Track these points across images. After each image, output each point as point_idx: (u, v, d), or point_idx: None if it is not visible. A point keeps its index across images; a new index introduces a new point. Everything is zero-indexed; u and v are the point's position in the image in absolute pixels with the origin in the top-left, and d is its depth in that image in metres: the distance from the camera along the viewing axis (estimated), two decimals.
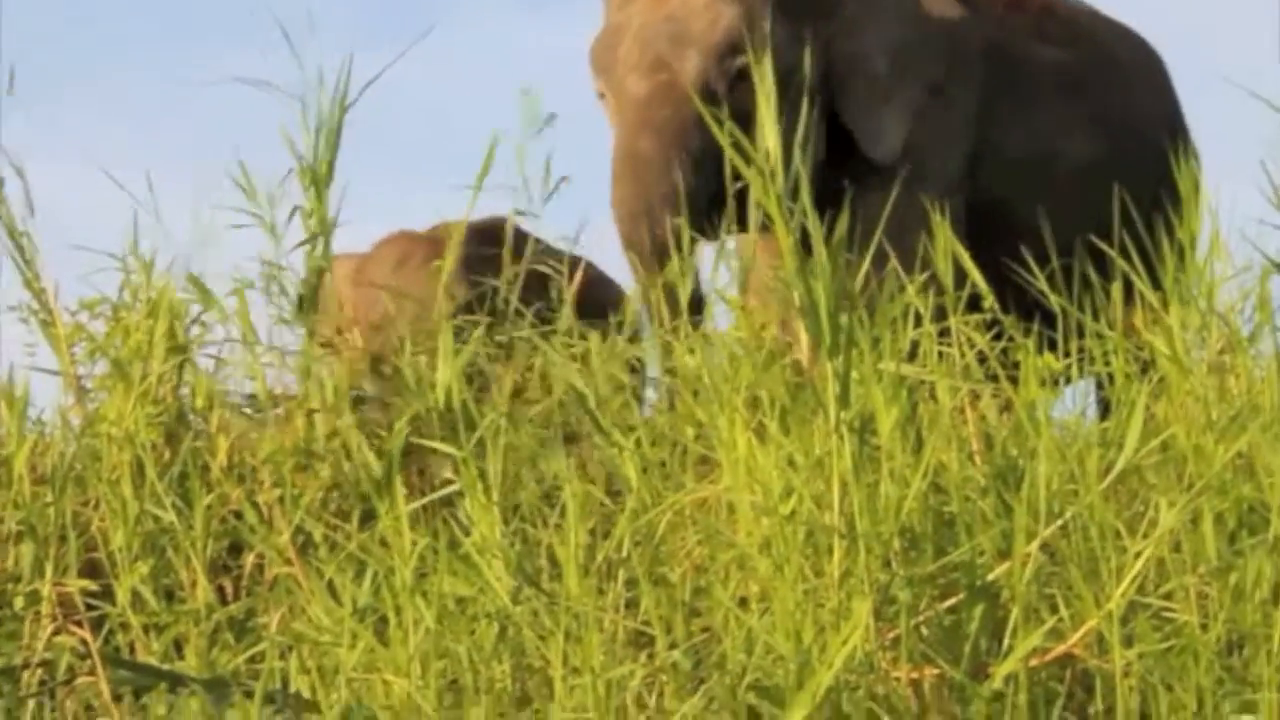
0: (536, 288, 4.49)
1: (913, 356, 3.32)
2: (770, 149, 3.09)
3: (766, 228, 3.56)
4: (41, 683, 3.22)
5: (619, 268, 4.47)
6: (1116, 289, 3.60)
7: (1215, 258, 3.49)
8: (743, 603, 2.95)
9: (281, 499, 3.43)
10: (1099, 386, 4.10)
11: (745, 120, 4.17)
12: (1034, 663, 2.80)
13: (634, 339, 4.05)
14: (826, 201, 3.95)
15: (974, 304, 3.58)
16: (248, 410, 3.83)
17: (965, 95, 4.50)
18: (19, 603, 3.42)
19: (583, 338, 3.82)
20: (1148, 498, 3.01)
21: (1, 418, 3.74)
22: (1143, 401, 2.97)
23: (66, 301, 3.91)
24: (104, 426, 3.63)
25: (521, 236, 5.03)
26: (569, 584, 2.93)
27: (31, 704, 3.16)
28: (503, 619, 2.96)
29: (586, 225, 4.53)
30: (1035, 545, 2.85)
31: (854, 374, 2.94)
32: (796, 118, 4.03)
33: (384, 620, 3.02)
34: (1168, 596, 2.88)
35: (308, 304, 4.48)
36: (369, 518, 3.38)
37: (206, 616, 3.33)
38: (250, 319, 3.88)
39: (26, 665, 3.24)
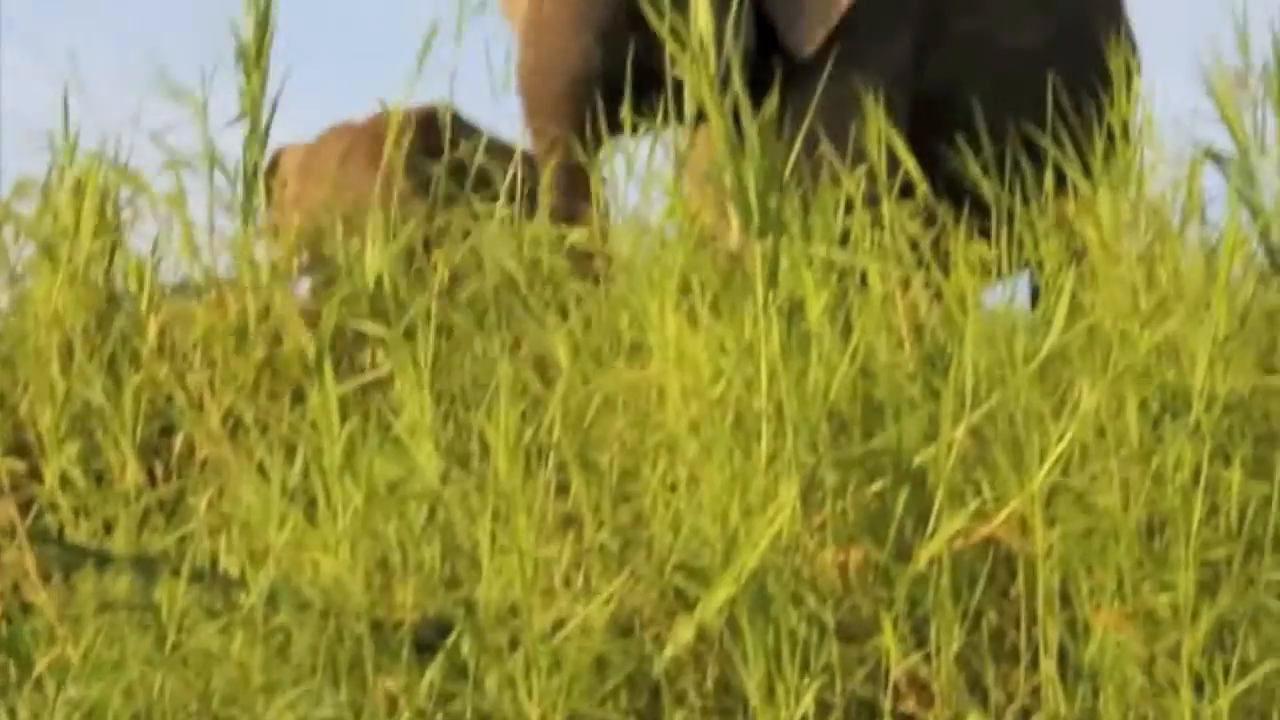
0: (480, 177, 4.48)
1: (844, 244, 3.33)
2: (702, 32, 3.07)
3: (702, 117, 3.56)
4: None
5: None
6: (1049, 177, 3.61)
7: (1145, 144, 3.50)
8: (671, 486, 2.96)
9: (212, 381, 3.42)
10: (1031, 275, 4.12)
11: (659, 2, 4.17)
12: (958, 545, 2.83)
13: (569, 222, 4.04)
14: (761, 88, 3.95)
15: (907, 191, 3.59)
16: (180, 292, 3.81)
17: None
18: None
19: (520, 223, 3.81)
20: (1073, 383, 3.04)
21: None
22: (1069, 287, 2.99)
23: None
24: (31, 308, 3.60)
25: (466, 126, 5.00)
26: (498, 466, 2.93)
27: None
28: (432, 500, 2.97)
29: None
30: (962, 430, 2.88)
31: (783, 258, 2.95)
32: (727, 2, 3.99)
33: (313, 502, 3.02)
34: (1091, 480, 2.91)
35: (249, 188, 4.45)
36: (300, 400, 3.38)
37: (136, 498, 3.33)
38: (185, 200, 3.84)
39: None
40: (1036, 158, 3.81)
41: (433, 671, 2.75)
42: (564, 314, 3.35)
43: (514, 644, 2.77)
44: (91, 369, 3.48)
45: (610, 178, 3.81)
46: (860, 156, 3.90)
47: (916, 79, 4.41)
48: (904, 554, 2.84)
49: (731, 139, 2.94)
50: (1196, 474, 2.87)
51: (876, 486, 2.88)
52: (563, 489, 3.00)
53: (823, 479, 2.86)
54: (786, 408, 2.86)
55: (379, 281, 3.60)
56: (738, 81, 3.11)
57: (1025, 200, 3.50)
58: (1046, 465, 2.83)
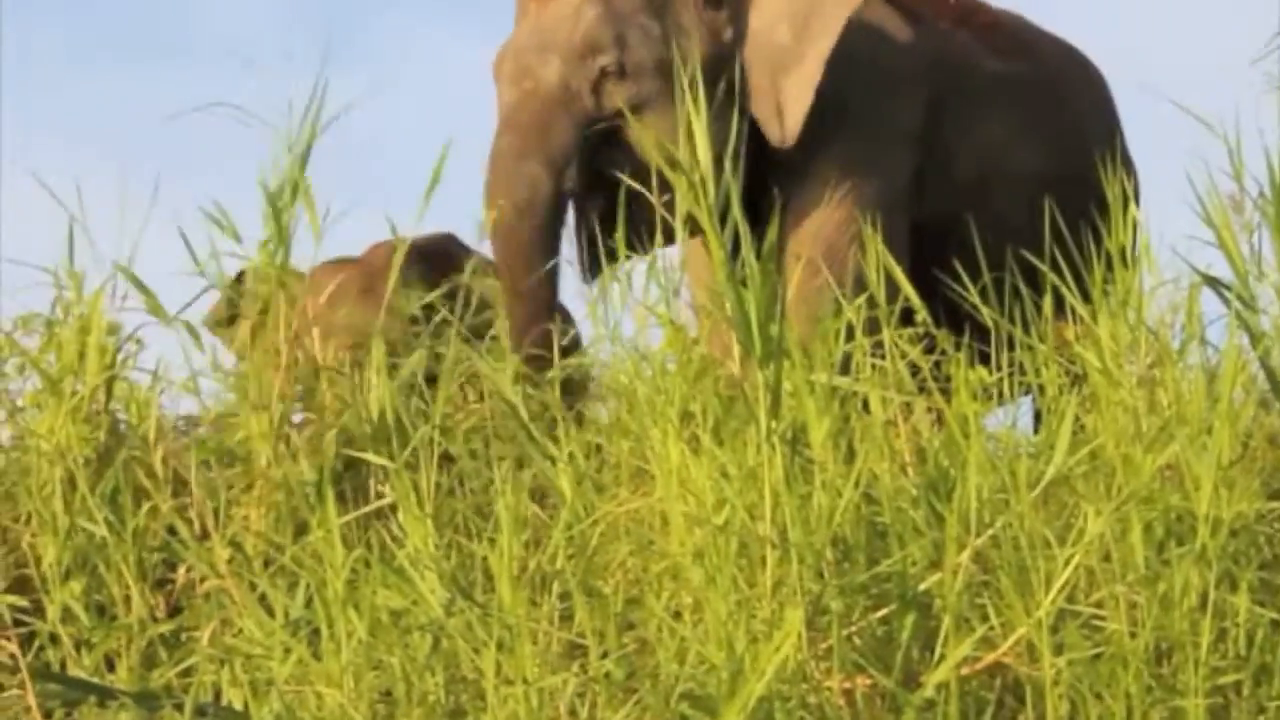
0: (480, 303, 4.50)
1: (845, 370, 3.34)
2: (700, 159, 3.10)
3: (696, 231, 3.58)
4: None
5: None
6: (1048, 302, 3.63)
7: (1144, 270, 3.52)
8: (676, 613, 2.95)
9: (216, 513, 3.41)
10: (1033, 399, 4.13)
11: (612, 121, 4.22)
12: (965, 671, 2.81)
13: (568, 352, 4.06)
14: (758, 212, 3.97)
15: (908, 318, 3.60)
16: (182, 425, 3.82)
17: (910, 112, 4.50)
18: None
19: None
20: (1077, 507, 3.04)
21: None
22: (1072, 412, 3.00)
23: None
24: (34, 441, 3.61)
25: (464, 252, 5.04)
26: (502, 595, 2.93)
27: None
28: (436, 630, 2.95)
29: None
30: (966, 555, 2.87)
31: (785, 384, 2.95)
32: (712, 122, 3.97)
33: (316, 632, 3.01)
34: (1097, 605, 2.90)
35: (221, 316, 4.47)
36: (303, 531, 3.37)
37: (140, 631, 3.31)
38: (196, 333, 3.85)
39: None
40: (1035, 282, 3.83)
41: None
42: (564, 441, 3.35)
43: None
44: (94, 502, 3.47)
45: (605, 306, 3.83)
46: (860, 283, 3.91)
47: (915, 204, 4.45)
48: (911, 681, 2.82)
49: (731, 267, 2.96)
50: (1204, 599, 2.86)
51: (882, 613, 2.87)
52: (567, 617, 2.99)
53: (828, 606, 2.85)
54: (791, 534, 2.85)
55: (381, 412, 3.60)
56: (736, 209, 3.14)
57: (1025, 325, 3.51)
58: (1053, 591, 2.82)
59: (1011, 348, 3.50)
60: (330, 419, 3.68)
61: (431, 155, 3.93)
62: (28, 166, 3.89)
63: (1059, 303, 3.65)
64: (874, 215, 4.22)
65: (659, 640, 2.91)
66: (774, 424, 2.90)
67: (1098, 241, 3.66)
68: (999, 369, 3.51)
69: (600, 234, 4.23)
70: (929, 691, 2.78)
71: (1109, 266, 3.57)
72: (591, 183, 4.27)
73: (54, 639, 3.35)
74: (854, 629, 2.85)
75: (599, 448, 3.40)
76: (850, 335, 3.40)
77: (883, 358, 3.44)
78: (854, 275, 4.19)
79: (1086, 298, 3.57)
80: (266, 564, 3.34)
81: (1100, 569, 2.93)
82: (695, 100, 3.22)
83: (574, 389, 3.97)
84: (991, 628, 2.85)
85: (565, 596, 3.00)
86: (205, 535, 3.41)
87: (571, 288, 4.55)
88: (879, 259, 3.70)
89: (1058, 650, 2.82)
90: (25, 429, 3.70)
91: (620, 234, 4.06)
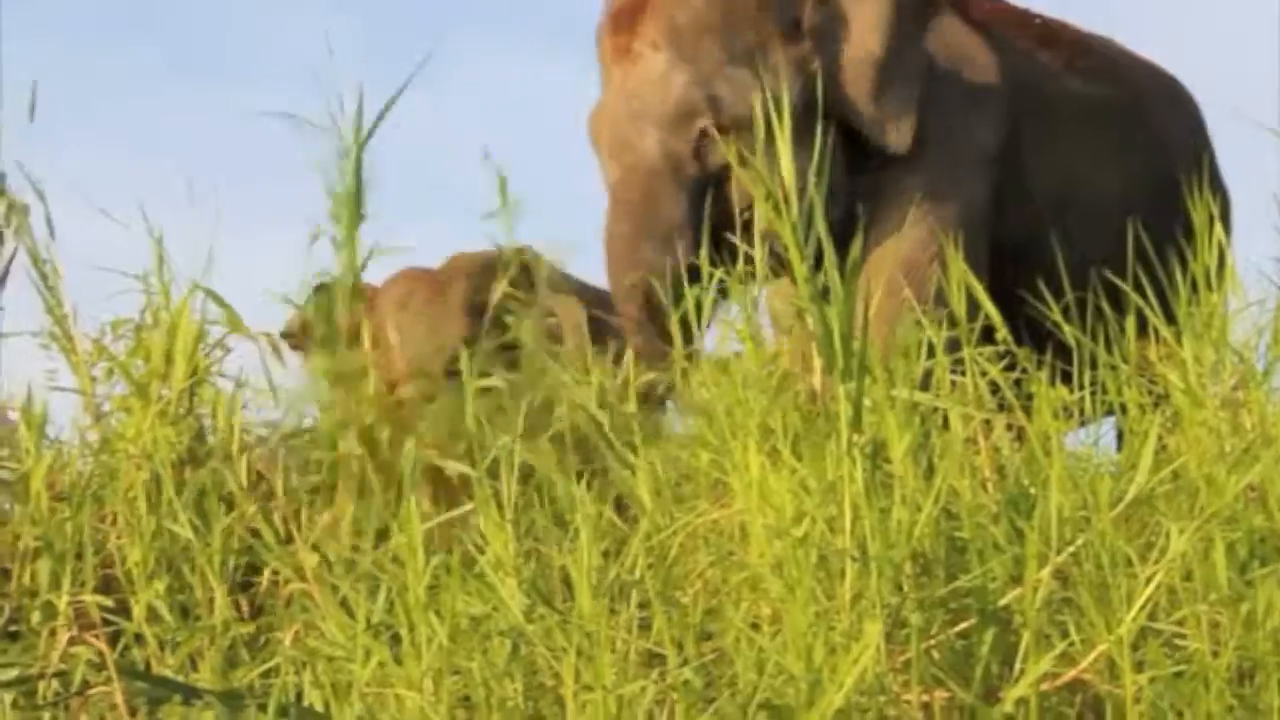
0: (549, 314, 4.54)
1: (925, 387, 3.34)
2: (784, 178, 3.11)
3: (778, 272, 3.59)
4: (56, 694, 3.24)
5: None
6: (1130, 322, 3.62)
7: (1229, 291, 3.51)
8: (754, 624, 2.96)
9: (299, 516, 3.45)
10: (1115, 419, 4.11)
11: (721, 178, 4.22)
12: (1045, 687, 2.81)
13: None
14: (847, 229, 3.97)
15: (988, 336, 3.60)
16: (265, 431, 3.86)
17: (990, 132, 4.50)
18: (35, 616, 3.44)
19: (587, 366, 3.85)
20: (1159, 527, 3.03)
21: (21, 436, 3.77)
22: (1155, 432, 2.99)
23: (84, 323, 3.95)
24: (121, 445, 3.66)
25: (534, 263, 5.07)
26: (581, 603, 2.94)
27: (47, 715, 3.18)
28: (515, 637, 2.97)
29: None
30: (1047, 571, 2.86)
31: (867, 400, 2.96)
32: (800, 148, 3.98)
33: (397, 637, 3.04)
34: (1179, 624, 2.89)
35: (308, 329, 4.51)
36: (385, 536, 3.40)
37: (223, 632, 3.35)
38: (278, 345, 3.89)
39: (42, 676, 3.26)
40: (1120, 303, 3.82)
41: None
42: (644, 452, 3.36)
43: None
44: (179, 505, 3.52)
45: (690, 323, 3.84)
46: (940, 301, 3.91)
47: (997, 222, 4.44)
48: (990, 696, 2.81)
49: (815, 284, 2.97)
50: None
51: (961, 627, 2.87)
52: (645, 626, 3.00)
53: (907, 619, 2.85)
54: (870, 547, 2.85)
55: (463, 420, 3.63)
56: (821, 226, 3.15)
57: (1108, 345, 3.50)
58: (1134, 608, 2.81)
59: (1094, 367, 3.49)
60: (411, 427, 3.71)
61: (503, 170, 3.93)
62: (104, 178, 3.95)
63: (1142, 323, 3.64)
64: (955, 234, 4.22)
65: (737, 650, 2.92)
66: (855, 438, 2.91)
67: (1183, 262, 3.65)
68: (1081, 388, 3.50)
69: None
70: (1008, 706, 2.77)
71: (1194, 288, 3.56)
72: (716, 240, 4.25)
73: (139, 639, 3.39)
74: (933, 643, 2.85)
75: (678, 460, 3.41)
76: (930, 352, 3.40)
77: (963, 374, 3.44)
78: (934, 293, 4.18)
79: (1171, 319, 3.56)
80: (348, 569, 3.37)
81: (1182, 588, 2.92)
82: (784, 134, 3.22)
83: (654, 402, 3.99)
84: (1071, 644, 2.84)
85: (644, 605, 3.02)
86: (289, 539, 3.45)
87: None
88: (960, 276, 3.70)
89: (1138, 668, 2.81)
90: (113, 433, 3.76)
91: (759, 269, 4.01)
